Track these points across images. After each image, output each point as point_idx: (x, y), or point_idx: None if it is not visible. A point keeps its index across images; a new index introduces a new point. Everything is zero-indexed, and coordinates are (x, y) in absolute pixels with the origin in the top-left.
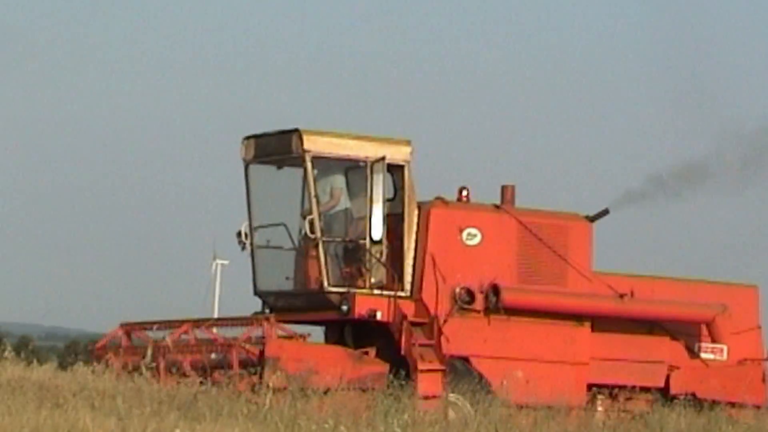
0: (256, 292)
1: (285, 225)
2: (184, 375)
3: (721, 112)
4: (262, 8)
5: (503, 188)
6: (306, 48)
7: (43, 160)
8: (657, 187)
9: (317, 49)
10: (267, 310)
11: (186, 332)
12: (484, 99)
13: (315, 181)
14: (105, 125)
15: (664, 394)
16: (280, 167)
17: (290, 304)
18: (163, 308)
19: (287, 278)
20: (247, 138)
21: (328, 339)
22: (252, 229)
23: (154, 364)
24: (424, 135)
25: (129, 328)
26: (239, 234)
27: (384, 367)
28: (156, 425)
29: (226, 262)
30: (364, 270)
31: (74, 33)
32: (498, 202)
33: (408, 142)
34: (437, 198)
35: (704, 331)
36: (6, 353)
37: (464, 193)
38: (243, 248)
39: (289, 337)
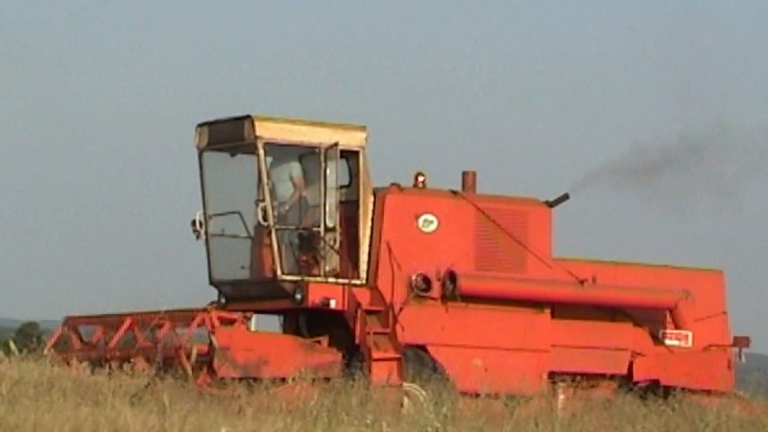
0: (212, 282)
1: (240, 213)
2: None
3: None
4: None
5: (464, 174)
6: (264, 34)
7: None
8: (616, 171)
9: (275, 35)
10: (223, 300)
11: (131, 329)
12: (446, 85)
13: (270, 168)
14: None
15: (628, 381)
16: (233, 154)
17: (246, 293)
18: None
19: (243, 267)
20: (200, 125)
21: (286, 329)
22: (207, 217)
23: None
24: (383, 120)
25: (74, 323)
26: (194, 223)
27: (336, 356)
28: (197, 421)
29: None
30: (318, 258)
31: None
32: (456, 188)
33: (363, 128)
34: (393, 184)
35: (669, 317)
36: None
37: (420, 179)
38: (198, 237)
39: (232, 321)
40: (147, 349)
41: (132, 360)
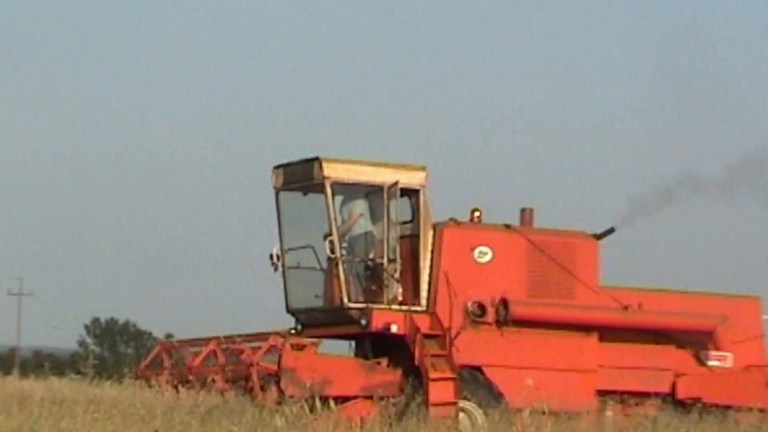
0: (288, 310)
1: (312, 247)
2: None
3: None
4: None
5: (522, 211)
6: (328, 82)
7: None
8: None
9: (339, 84)
10: (299, 326)
11: (214, 350)
12: (500, 128)
13: (341, 205)
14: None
15: (672, 398)
16: (305, 193)
17: (318, 320)
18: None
19: (316, 296)
20: (276, 167)
21: (357, 353)
22: (283, 251)
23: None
24: (443, 160)
25: (168, 346)
26: (271, 256)
27: (395, 376)
28: None
29: None
30: (381, 287)
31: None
32: (510, 222)
33: (423, 168)
34: (451, 219)
35: (709, 340)
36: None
37: (476, 214)
38: (275, 269)
39: (301, 347)
40: (224, 367)
41: (212, 378)
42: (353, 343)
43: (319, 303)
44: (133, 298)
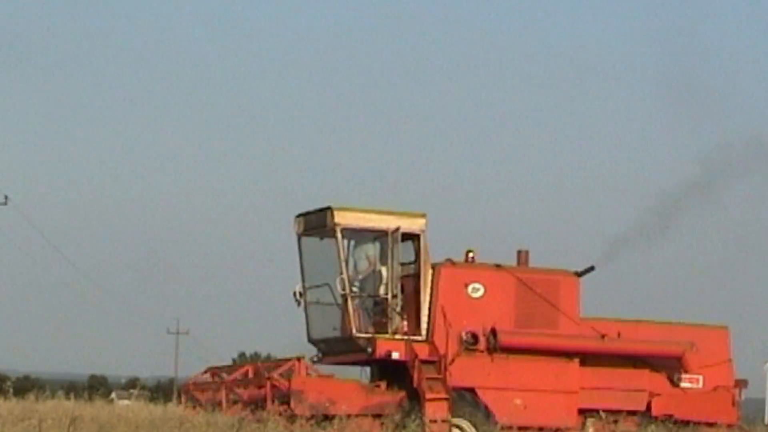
0: (309, 340)
1: (329, 285)
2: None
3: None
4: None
5: (518, 252)
6: (344, 141)
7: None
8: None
9: (353, 143)
10: (320, 354)
11: (247, 372)
12: (496, 178)
13: (354, 248)
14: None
15: (648, 416)
16: (322, 238)
17: (334, 349)
18: None
19: (334, 328)
20: (298, 216)
21: (372, 377)
22: (305, 289)
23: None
24: (443, 206)
25: (214, 372)
26: (295, 294)
27: (393, 397)
28: None
29: None
30: (386, 319)
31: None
32: (501, 262)
33: (423, 215)
34: (447, 259)
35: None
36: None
37: (470, 255)
38: (298, 305)
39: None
40: (246, 382)
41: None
42: (368, 369)
43: (336, 334)
44: (272, 335)
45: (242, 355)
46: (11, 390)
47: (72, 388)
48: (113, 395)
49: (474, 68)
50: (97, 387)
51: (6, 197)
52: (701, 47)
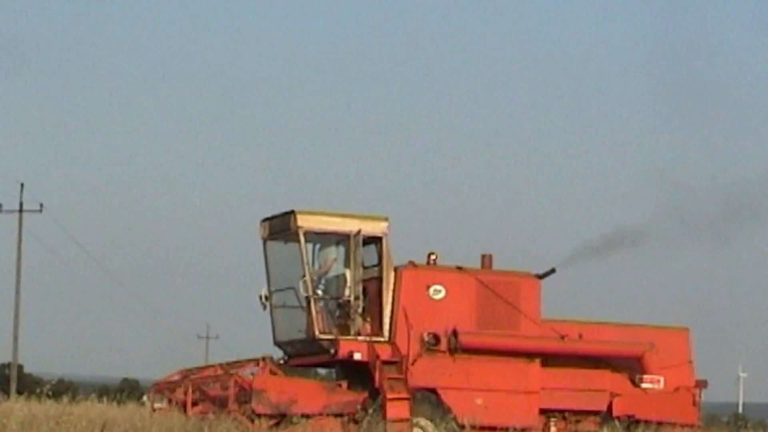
0: (275, 342)
1: (294, 288)
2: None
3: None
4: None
5: (482, 256)
6: (304, 146)
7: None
8: (593, 249)
9: (315, 146)
10: (286, 357)
11: (215, 372)
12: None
13: (318, 251)
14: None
15: (610, 416)
16: (286, 242)
17: (299, 351)
18: None
19: (299, 330)
20: (263, 220)
21: (337, 377)
22: (270, 292)
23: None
24: (404, 208)
25: (186, 373)
26: (260, 297)
27: (354, 397)
28: None
29: None
30: (348, 321)
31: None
32: (463, 264)
33: (386, 218)
34: (409, 262)
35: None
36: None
37: (432, 257)
38: (264, 308)
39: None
40: (212, 380)
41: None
42: (334, 371)
43: (301, 336)
44: None
45: (269, 357)
46: (49, 393)
47: (105, 391)
48: (144, 398)
49: (438, 73)
50: (129, 390)
51: (41, 205)
52: (701, 47)
